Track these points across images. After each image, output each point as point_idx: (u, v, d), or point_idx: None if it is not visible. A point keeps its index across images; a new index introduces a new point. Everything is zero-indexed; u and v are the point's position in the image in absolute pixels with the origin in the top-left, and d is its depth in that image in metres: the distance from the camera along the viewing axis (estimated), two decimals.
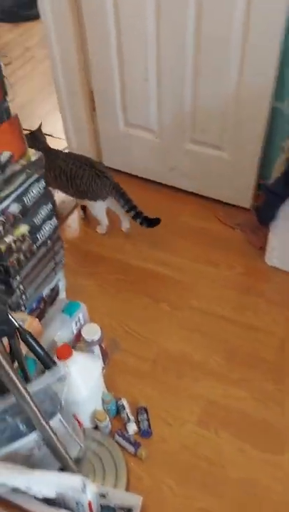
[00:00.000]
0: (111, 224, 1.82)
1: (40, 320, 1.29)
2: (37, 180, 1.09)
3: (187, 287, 1.62)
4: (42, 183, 1.11)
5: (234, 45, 1.43)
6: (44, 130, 1.83)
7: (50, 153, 1.64)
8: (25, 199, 1.06)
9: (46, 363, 0.92)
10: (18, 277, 1.12)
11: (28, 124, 1.83)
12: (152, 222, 1.67)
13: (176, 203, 1.92)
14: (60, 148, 1.85)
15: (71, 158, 1.65)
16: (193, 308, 1.56)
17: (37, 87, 2.68)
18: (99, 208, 1.71)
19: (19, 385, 0.76)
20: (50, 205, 1.16)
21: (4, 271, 1.07)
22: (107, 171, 1.67)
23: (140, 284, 1.64)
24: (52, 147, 1.79)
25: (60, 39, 1.76)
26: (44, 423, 0.84)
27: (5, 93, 0.94)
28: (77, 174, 1.59)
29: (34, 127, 1.80)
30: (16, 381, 0.75)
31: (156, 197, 1.96)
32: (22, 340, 0.90)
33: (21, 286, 1.15)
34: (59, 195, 1.84)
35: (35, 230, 1.12)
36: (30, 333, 0.91)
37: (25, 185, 1.05)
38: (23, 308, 1.20)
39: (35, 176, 1.08)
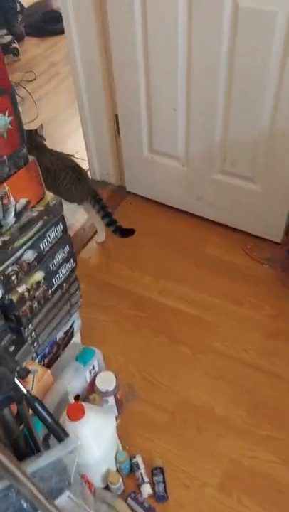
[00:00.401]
0: (132, 256, 1.75)
1: (52, 364, 1.22)
2: (55, 224, 1.01)
3: (210, 327, 1.52)
4: (60, 227, 1.03)
5: (270, 77, 1.33)
6: (67, 149, 1.77)
7: (39, 150, 1.66)
8: (41, 245, 0.99)
9: (57, 433, 0.84)
10: (30, 325, 1.05)
11: (50, 142, 1.79)
12: (126, 232, 1.69)
13: (202, 234, 1.82)
14: (65, 154, 1.82)
15: (56, 159, 1.65)
16: (216, 352, 1.46)
17: (62, 104, 2.63)
18: (71, 211, 1.68)
19: (16, 472, 0.67)
20: (67, 248, 1.08)
21: (16, 320, 0.99)
22: (87, 176, 1.70)
23: (160, 322, 1.54)
24: (44, 145, 1.75)
25: (84, 57, 1.70)
26: (48, 506, 0.76)
27: (23, 140, 0.86)
28: (60, 176, 1.60)
29: (56, 146, 1.78)
30: (12, 468, 0.67)
31: (181, 226, 1.87)
32: (30, 407, 0.82)
33: (33, 334, 1.08)
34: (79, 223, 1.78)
35: (50, 275, 1.05)
36: (38, 400, 0.82)
37: (42, 231, 0.97)
38: (34, 355, 1.12)
39: (54, 220, 1.00)
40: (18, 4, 3.24)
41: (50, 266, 1.04)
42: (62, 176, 1.61)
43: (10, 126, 0.84)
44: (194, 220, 1.87)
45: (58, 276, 1.08)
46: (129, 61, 1.57)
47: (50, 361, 1.20)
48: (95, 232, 1.87)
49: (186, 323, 1.54)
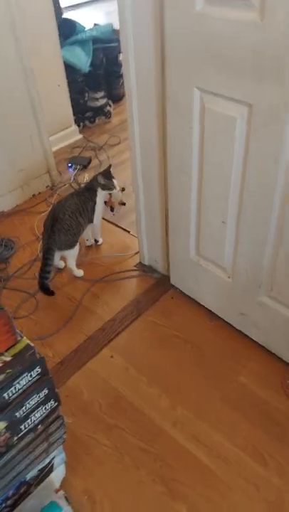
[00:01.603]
0: (155, 366, 1.57)
1: (18, 504, 1.09)
2: (28, 369, 0.90)
3: (219, 485, 1.27)
4: (36, 371, 0.92)
5: None
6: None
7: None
8: (5, 395, 0.88)
9: None
10: None
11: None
12: (46, 291, 1.81)
13: (239, 353, 1.59)
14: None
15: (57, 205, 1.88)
16: None
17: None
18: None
19: None
20: (45, 391, 0.97)
21: None
22: (57, 232, 1.79)
23: (164, 464, 1.33)
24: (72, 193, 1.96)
25: (144, 164, 1.65)
26: None
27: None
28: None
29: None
30: None
31: (218, 337, 1.65)
32: None
33: None
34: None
35: (16, 423, 0.93)
36: None
37: (7, 382, 0.87)
38: None
39: (26, 365, 0.89)
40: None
41: (17, 414, 0.93)
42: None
43: None
44: (234, 333, 1.65)
45: (28, 421, 0.97)
46: (184, 169, 1.45)
47: (16, 501, 1.08)
48: (126, 326, 1.74)
49: (193, 473, 1.30)
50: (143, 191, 1.74)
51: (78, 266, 1.98)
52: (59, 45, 2.68)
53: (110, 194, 2.06)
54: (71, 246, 1.87)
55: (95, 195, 1.95)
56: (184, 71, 1.26)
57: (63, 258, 1.95)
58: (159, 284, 1.92)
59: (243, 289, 1.51)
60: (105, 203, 2.05)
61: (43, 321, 1.81)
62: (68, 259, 1.94)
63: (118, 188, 1.97)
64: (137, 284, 1.95)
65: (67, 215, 1.83)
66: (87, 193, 1.94)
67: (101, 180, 1.92)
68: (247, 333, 1.61)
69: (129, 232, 2.21)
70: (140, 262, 2.03)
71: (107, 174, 1.94)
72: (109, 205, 2.17)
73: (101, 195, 1.97)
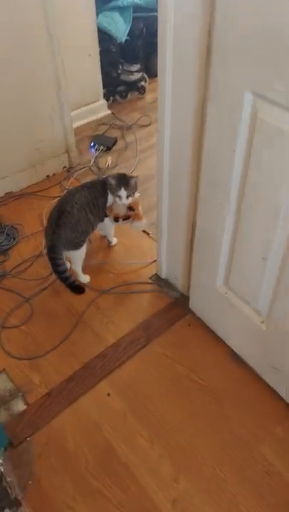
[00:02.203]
0: (161, 419, 1.29)
1: None
2: None
3: None
4: None
5: None
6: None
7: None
8: None
9: None
10: None
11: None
12: (73, 289, 1.59)
13: (265, 413, 1.30)
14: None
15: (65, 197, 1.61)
16: None
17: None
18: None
19: None
20: None
21: None
22: (63, 226, 1.52)
23: None
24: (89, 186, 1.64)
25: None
26: None
27: None
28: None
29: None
30: None
31: (243, 387, 1.37)
32: None
33: None
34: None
35: None
36: None
37: None
38: None
39: None
40: None
41: None
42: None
43: None
44: (262, 386, 1.35)
45: None
46: (220, 185, 1.12)
47: None
48: (131, 355, 1.47)
49: None
50: (168, 192, 1.42)
51: (84, 270, 1.69)
52: (94, 10, 2.31)
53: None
54: (77, 246, 1.59)
55: (107, 191, 1.64)
56: (235, 67, 0.94)
57: (68, 259, 1.67)
58: (175, 306, 1.62)
59: (280, 340, 1.20)
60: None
61: (35, 335, 1.55)
62: (73, 261, 1.66)
63: (126, 201, 1.60)
64: (150, 302, 1.65)
65: (75, 209, 1.54)
66: (100, 186, 1.63)
67: (112, 181, 1.59)
68: (278, 392, 1.31)
69: (148, 234, 1.90)
70: (156, 274, 1.73)
71: (122, 180, 1.60)
72: (112, 214, 1.69)
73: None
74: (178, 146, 1.26)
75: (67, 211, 1.53)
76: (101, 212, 1.65)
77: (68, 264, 1.68)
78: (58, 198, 1.64)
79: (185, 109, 1.15)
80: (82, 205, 1.57)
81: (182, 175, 1.29)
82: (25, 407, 1.36)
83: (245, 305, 1.27)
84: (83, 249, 1.63)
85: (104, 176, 1.72)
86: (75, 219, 1.54)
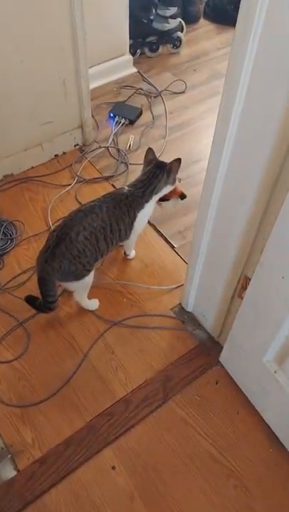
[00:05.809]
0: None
1: None
2: None
3: None
4: None
5: None
6: None
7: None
8: None
9: None
10: None
11: None
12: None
13: None
14: None
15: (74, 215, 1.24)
16: None
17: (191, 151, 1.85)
18: None
19: None
20: None
21: None
22: (59, 257, 1.19)
23: None
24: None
25: None
26: None
27: None
28: None
29: None
30: None
31: (280, 478, 1.12)
32: None
33: None
34: None
35: None
36: None
37: None
38: None
39: None
40: None
41: None
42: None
43: None
44: None
45: None
46: None
47: None
48: (144, 417, 1.20)
49: None
50: (216, 211, 1.06)
51: (92, 290, 1.37)
52: None
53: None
54: (79, 278, 1.26)
55: (142, 205, 1.29)
56: None
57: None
58: (201, 351, 1.33)
59: None
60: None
61: (30, 375, 1.28)
62: (75, 292, 1.35)
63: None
64: (171, 343, 1.36)
65: (82, 236, 1.20)
66: (125, 203, 1.28)
67: (175, 171, 1.33)
68: None
69: (174, 247, 1.57)
70: (180, 305, 1.43)
71: (174, 166, 1.34)
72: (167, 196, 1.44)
73: (152, 203, 1.33)
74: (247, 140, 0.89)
75: (71, 238, 1.19)
76: (124, 232, 1.31)
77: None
78: (64, 218, 1.27)
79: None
80: (94, 231, 1.22)
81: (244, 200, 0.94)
82: (14, 473, 1.13)
83: None
84: (88, 279, 1.29)
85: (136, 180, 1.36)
86: (78, 249, 1.20)
